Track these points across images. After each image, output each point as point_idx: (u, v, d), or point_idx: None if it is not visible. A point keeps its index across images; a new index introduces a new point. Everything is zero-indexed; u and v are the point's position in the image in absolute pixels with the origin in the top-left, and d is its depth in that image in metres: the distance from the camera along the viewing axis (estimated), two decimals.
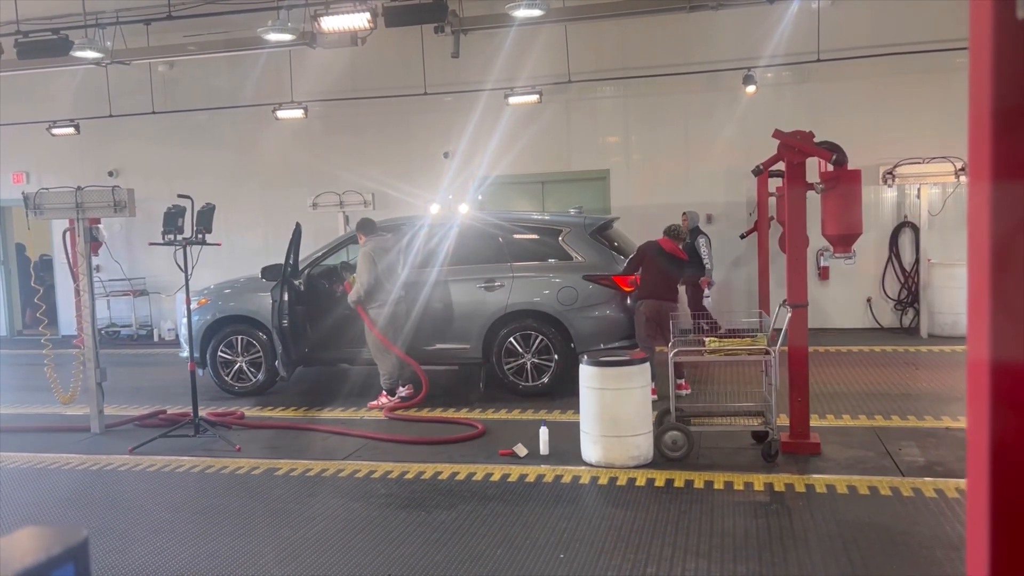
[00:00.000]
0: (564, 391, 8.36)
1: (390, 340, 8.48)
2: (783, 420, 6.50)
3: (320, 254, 9.40)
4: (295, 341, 8.76)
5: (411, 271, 8.84)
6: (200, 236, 7.54)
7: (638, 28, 12.16)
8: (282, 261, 8.79)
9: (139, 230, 13.58)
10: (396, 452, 6.94)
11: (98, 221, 11.34)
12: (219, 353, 9.31)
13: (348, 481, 6.26)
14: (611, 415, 6.20)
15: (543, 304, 8.64)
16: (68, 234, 8.74)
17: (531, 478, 6.12)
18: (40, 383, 9.69)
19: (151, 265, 13.80)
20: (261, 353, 9.15)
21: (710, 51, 12.05)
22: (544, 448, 6.61)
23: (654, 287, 8.21)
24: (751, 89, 11.76)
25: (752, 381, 7.68)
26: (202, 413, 7.61)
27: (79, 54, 10.41)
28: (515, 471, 6.27)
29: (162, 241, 7.41)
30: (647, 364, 6.42)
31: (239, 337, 9.24)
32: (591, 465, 6.28)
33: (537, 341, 8.66)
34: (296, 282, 8.88)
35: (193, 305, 9.50)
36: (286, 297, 8.61)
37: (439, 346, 8.92)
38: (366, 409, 8.48)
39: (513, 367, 8.72)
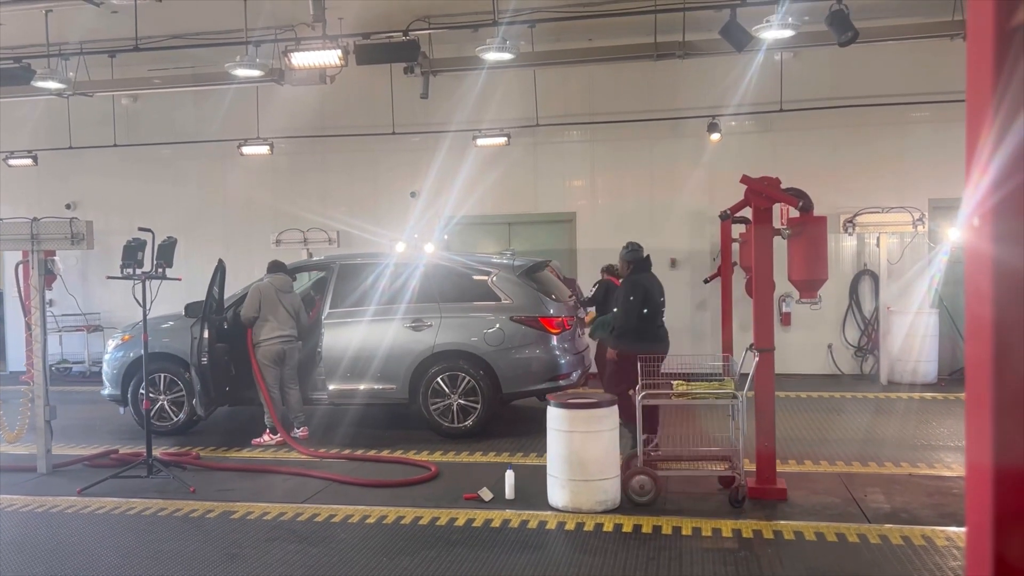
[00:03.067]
0: (491, 432, 8.40)
1: (272, 379, 8.57)
2: (750, 465, 6.47)
3: (242, 295, 9.18)
4: (215, 380, 8.59)
5: (332, 311, 8.93)
6: (160, 270, 7.37)
7: (605, 74, 12.34)
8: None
9: (96, 264, 13.29)
10: (358, 495, 6.75)
11: (53, 253, 11.06)
12: (141, 392, 9.07)
13: (307, 525, 6.06)
14: (579, 458, 6.11)
15: (470, 344, 8.61)
16: (21, 266, 8.49)
17: (496, 523, 5.99)
18: None
19: (107, 300, 13.49)
20: (184, 392, 8.92)
21: (675, 99, 12.26)
22: (510, 492, 6.49)
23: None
24: (715, 137, 11.97)
25: (719, 426, 7.66)
26: (156, 453, 7.36)
27: (41, 84, 10.23)
28: (480, 516, 6.13)
29: (121, 275, 7.22)
30: (615, 406, 6.36)
31: (162, 375, 9.00)
32: (558, 510, 6.17)
33: (464, 382, 8.61)
34: (220, 319, 8.74)
35: (117, 341, 9.33)
36: (206, 334, 8.46)
37: (365, 386, 8.83)
38: (249, 447, 8.46)
39: (439, 408, 8.66)
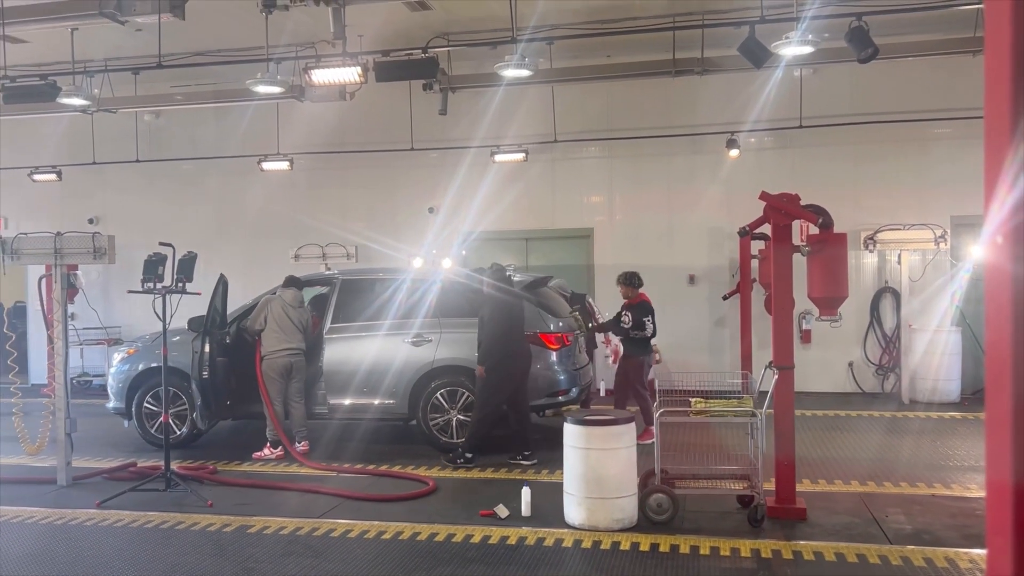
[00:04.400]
0: (489, 448, 8.44)
1: (276, 391, 8.65)
2: (769, 484, 6.40)
3: (247, 308, 9.32)
4: (215, 393, 8.65)
5: (335, 326, 9.03)
6: (180, 285, 7.43)
7: (624, 90, 12.36)
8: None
9: (117, 278, 13.41)
10: (373, 511, 6.74)
11: (76, 267, 11.18)
12: (145, 405, 9.16)
13: (323, 540, 6.06)
14: (596, 476, 6.07)
15: (470, 360, 8.59)
16: (44, 280, 8.58)
17: (512, 540, 5.95)
18: (6, 433, 9.42)
19: (127, 314, 13.59)
20: (187, 405, 8.96)
21: (694, 115, 12.25)
22: (526, 509, 6.45)
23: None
24: (734, 153, 11.94)
25: (737, 444, 7.59)
26: (173, 466, 7.40)
27: (66, 101, 10.38)
28: (496, 533, 6.10)
29: (141, 289, 7.28)
30: (632, 424, 6.32)
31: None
32: (574, 527, 6.13)
33: (463, 397, 8.63)
34: (223, 334, 8.79)
35: (122, 355, 9.42)
36: (207, 349, 8.53)
37: (365, 401, 8.86)
38: (250, 461, 8.53)
39: (439, 423, 8.68)
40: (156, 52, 9.52)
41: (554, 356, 8.71)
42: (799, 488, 6.59)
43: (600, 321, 9.85)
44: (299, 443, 8.79)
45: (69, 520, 6.66)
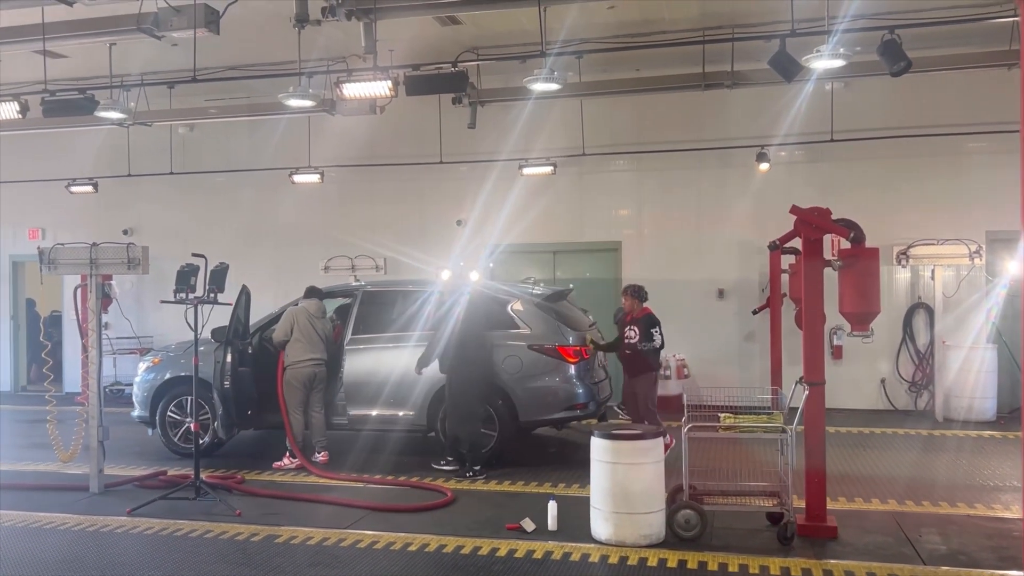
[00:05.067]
0: (505, 460, 8.54)
1: (298, 401, 8.73)
2: (799, 501, 6.32)
3: (270, 319, 9.41)
4: (236, 403, 8.72)
5: (356, 337, 9.10)
6: (212, 295, 7.52)
7: (653, 104, 12.33)
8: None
9: (150, 288, 13.60)
10: (399, 522, 6.74)
11: (110, 278, 11.39)
12: (168, 413, 9.27)
13: (350, 551, 6.07)
14: (623, 491, 6.03)
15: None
16: (79, 290, 8.74)
17: (539, 554, 5.93)
18: (41, 440, 9.59)
19: (160, 324, 13.76)
20: (210, 415, 9.04)
21: (724, 128, 12.21)
22: (552, 523, 6.43)
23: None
24: (764, 166, 11.87)
25: (767, 460, 7.51)
26: (202, 475, 7.46)
27: (103, 114, 10.57)
28: (522, 547, 6.07)
29: (174, 299, 7.38)
30: (660, 439, 6.28)
31: (187, 398, 9.16)
32: (601, 543, 6.08)
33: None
34: (245, 344, 8.87)
35: (147, 364, 9.55)
36: (229, 359, 8.61)
37: (384, 412, 8.87)
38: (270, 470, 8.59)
39: None
40: (191, 66, 9.68)
41: (572, 369, 8.69)
42: (830, 506, 6.49)
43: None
44: (318, 453, 8.85)
45: (101, 527, 6.74)
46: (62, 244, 7.90)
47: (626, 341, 8.64)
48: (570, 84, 10.67)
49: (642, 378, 8.69)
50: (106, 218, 14.46)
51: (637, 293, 8.82)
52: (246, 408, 8.88)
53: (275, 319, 9.31)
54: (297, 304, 9.15)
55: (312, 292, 9.24)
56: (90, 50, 10.66)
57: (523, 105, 11.89)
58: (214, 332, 8.78)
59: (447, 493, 7.44)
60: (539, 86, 9.44)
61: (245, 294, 8.84)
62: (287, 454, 8.78)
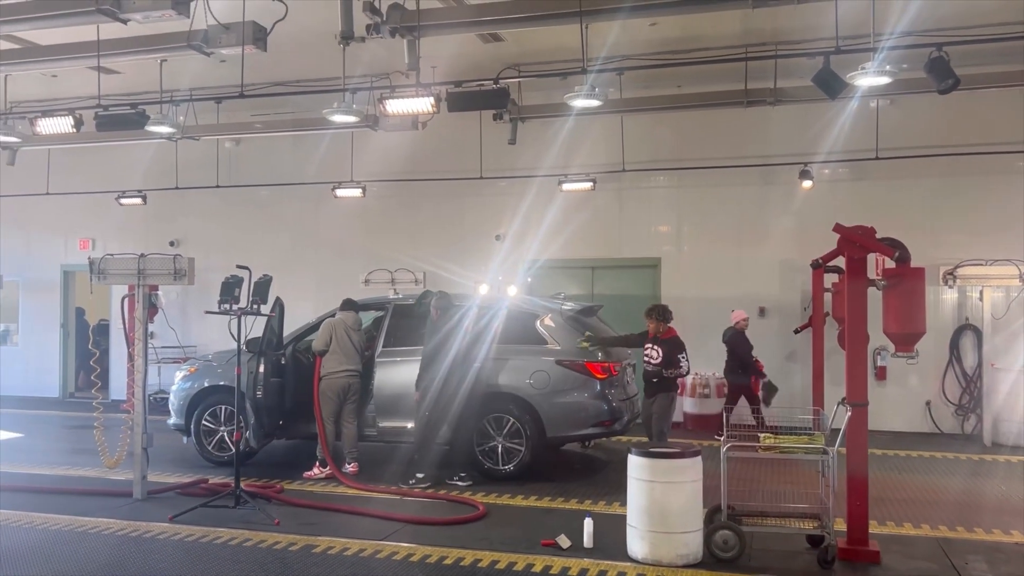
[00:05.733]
0: (533, 476, 8.54)
1: (330, 411, 8.81)
2: (840, 524, 6.20)
3: (303, 331, 9.54)
4: (268, 413, 8.81)
5: (387, 349, 9.19)
6: (255, 307, 7.64)
7: (694, 120, 12.29)
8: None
9: (195, 299, 13.86)
10: (435, 535, 6.75)
11: (157, 288, 11.61)
12: (203, 422, 9.40)
13: (386, 563, 6.10)
14: (660, 509, 5.98)
15: (515, 387, 8.64)
16: (127, 300, 8.95)
17: (574, 572, 5.89)
18: (86, 446, 9.81)
19: (204, 334, 14.00)
20: (243, 424, 9.14)
21: (766, 145, 12.12)
22: (588, 541, 6.38)
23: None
24: (807, 184, 11.75)
25: (807, 481, 7.39)
26: (242, 484, 7.56)
27: (153, 129, 10.83)
28: (557, 563, 6.04)
29: (218, 310, 7.51)
30: (698, 457, 6.21)
31: (222, 407, 9.32)
32: (637, 561, 6.03)
33: (509, 424, 8.66)
34: (279, 355, 8.97)
35: (184, 373, 9.70)
36: (262, 369, 8.71)
37: (413, 424, 8.85)
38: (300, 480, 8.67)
39: (484, 449, 8.71)
40: (238, 82, 9.88)
41: (600, 386, 8.67)
42: (873, 530, 6.36)
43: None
44: (349, 464, 8.92)
45: (143, 532, 6.85)
46: (111, 255, 8.10)
47: (646, 360, 8.43)
48: (611, 100, 10.68)
49: (660, 398, 8.41)
50: (154, 230, 14.79)
51: (662, 315, 8.48)
52: (278, 418, 8.98)
53: (310, 330, 9.43)
54: (334, 316, 9.25)
55: (348, 304, 9.35)
56: (142, 66, 10.95)
57: (563, 121, 11.94)
58: (248, 343, 8.92)
59: (479, 507, 7.45)
60: (580, 102, 9.47)
61: (279, 306, 8.97)
62: (317, 464, 8.86)
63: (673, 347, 8.32)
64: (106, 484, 8.44)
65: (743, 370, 10.96)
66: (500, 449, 8.67)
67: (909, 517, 7.32)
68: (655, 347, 8.36)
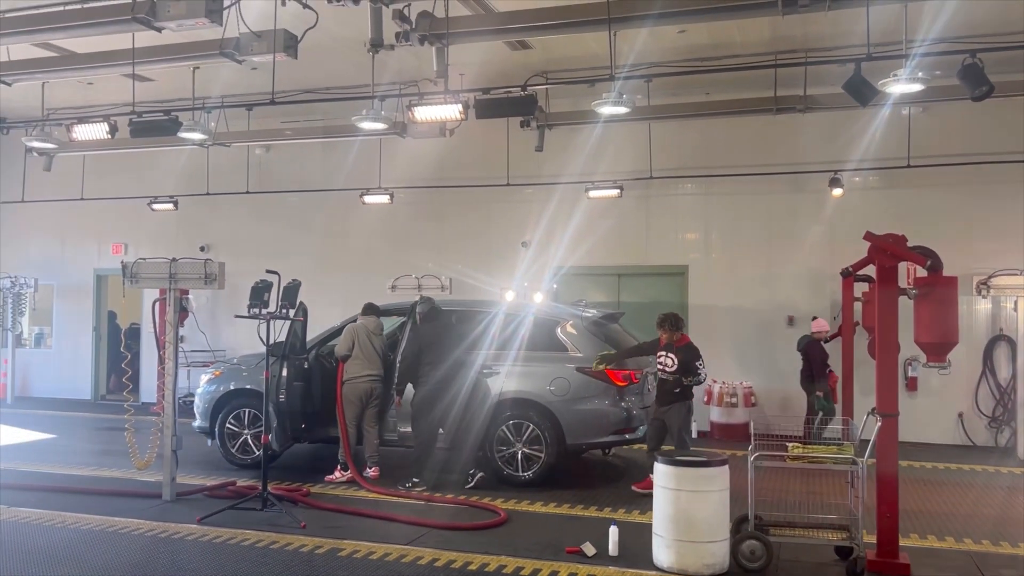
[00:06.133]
0: (554, 483, 8.51)
1: (352, 416, 8.87)
2: (869, 536, 6.12)
3: (326, 335, 9.59)
4: (291, 417, 8.86)
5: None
6: (284, 311, 7.71)
7: (722, 127, 12.23)
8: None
9: (224, 303, 14.02)
10: (459, 540, 6.76)
11: (187, 292, 11.76)
12: (227, 425, 9.50)
13: (411, 568, 6.11)
14: (686, 518, 5.93)
15: (535, 393, 8.63)
16: (158, 304, 9.07)
17: None
18: (117, 447, 9.94)
19: (232, 338, 14.14)
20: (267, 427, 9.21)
21: (795, 152, 12.03)
22: (613, 549, 6.36)
23: None
24: (838, 192, 11.64)
25: (836, 492, 7.31)
26: (269, 487, 7.62)
27: (185, 135, 11.00)
28: (582, 571, 6.02)
29: (247, 314, 7.59)
30: (726, 466, 6.16)
31: (246, 410, 9.41)
32: (662, 570, 5.99)
33: (528, 431, 8.64)
34: (301, 359, 9.03)
35: (209, 376, 9.80)
36: (284, 373, 8.77)
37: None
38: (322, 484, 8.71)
39: (504, 455, 8.69)
40: (269, 89, 10.00)
41: (621, 393, 8.65)
42: (903, 542, 6.27)
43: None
44: (369, 468, 8.96)
45: (172, 534, 6.93)
46: (144, 259, 8.22)
47: (660, 368, 8.35)
48: (639, 107, 10.67)
49: (675, 408, 8.29)
50: (184, 235, 14.98)
51: (675, 324, 8.37)
52: (300, 422, 9.05)
53: (333, 335, 9.50)
54: (356, 320, 9.31)
55: (370, 309, 9.40)
56: (175, 73, 11.13)
57: (590, 128, 11.94)
58: (274, 346, 9.01)
59: (500, 513, 7.46)
60: (607, 109, 9.46)
61: (303, 310, 9.04)
62: (338, 467, 8.91)
63: (690, 354, 8.26)
64: (136, 485, 8.55)
65: (813, 379, 10.89)
66: (520, 455, 8.67)
67: (941, 530, 7.20)
68: (669, 355, 8.30)
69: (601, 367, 8.57)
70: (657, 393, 8.50)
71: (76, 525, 7.15)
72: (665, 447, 8.22)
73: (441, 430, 8.67)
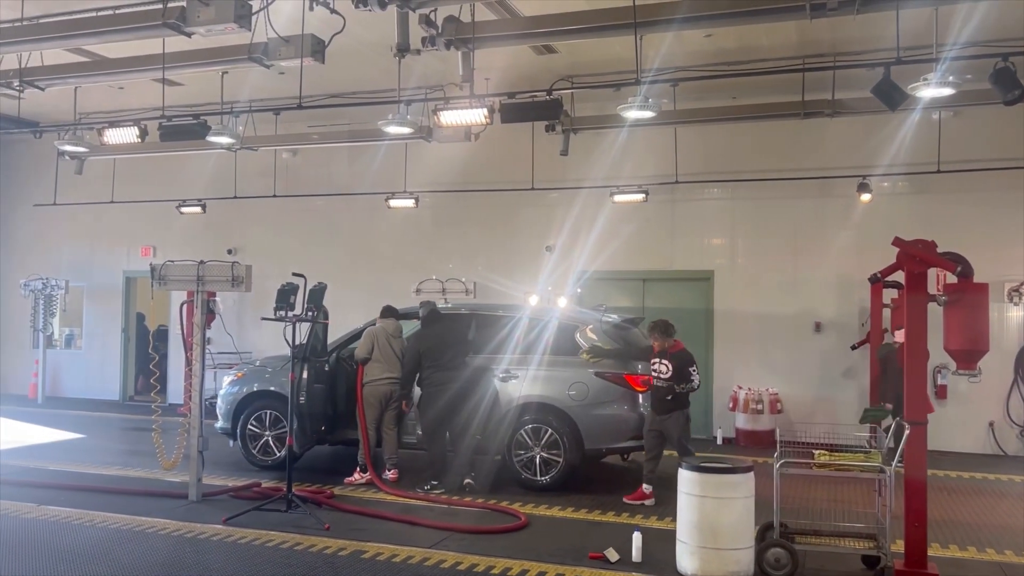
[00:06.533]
0: (573, 488, 8.50)
1: (371, 418, 8.90)
2: (897, 546, 6.04)
3: (347, 338, 9.63)
4: (311, 419, 8.89)
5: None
6: (310, 314, 7.76)
7: (749, 131, 12.14)
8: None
9: (251, 305, 14.14)
10: (482, 544, 6.76)
11: (215, 294, 11.87)
12: (249, 426, 9.56)
13: (434, 571, 6.12)
14: (710, 525, 5.89)
15: (554, 398, 8.62)
16: (185, 306, 9.17)
17: None
18: (144, 447, 10.06)
19: (259, 340, 14.23)
20: (287, 429, 9.24)
21: (823, 157, 11.92)
22: (637, 555, 6.33)
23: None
24: (866, 197, 11.52)
25: (863, 500, 7.22)
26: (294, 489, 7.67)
27: (214, 139, 11.12)
28: None
29: (273, 317, 7.65)
30: (751, 473, 6.11)
31: (267, 412, 9.48)
32: None
33: (547, 435, 8.64)
34: (322, 361, 9.06)
35: (231, 378, 9.87)
36: (305, 375, 8.82)
37: (451, 433, 8.85)
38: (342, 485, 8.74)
39: (522, 459, 8.69)
40: (296, 94, 10.08)
41: (640, 399, 8.61)
42: (931, 552, 6.18)
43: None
44: (389, 471, 8.99)
45: (198, 534, 7.00)
46: (172, 261, 8.31)
47: (655, 376, 8.20)
48: (664, 112, 10.63)
49: (672, 417, 8.12)
50: (212, 238, 15.13)
51: (665, 331, 8.21)
52: (320, 424, 9.09)
53: (353, 337, 9.53)
54: (375, 324, 9.35)
55: (388, 312, 9.44)
56: (204, 78, 11.25)
57: (615, 132, 11.91)
58: (294, 349, 9.07)
59: (521, 517, 7.46)
60: (633, 114, 9.44)
61: (324, 313, 9.09)
62: (357, 469, 8.95)
63: (683, 361, 8.09)
64: (163, 485, 8.64)
65: (890, 388, 10.75)
66: (538, 460, 8.67)
67: (971, 541, 7.09)
68: (663, 361, 8.13)
69: (586, 357, 8.57)
70: (652, 401, 8.31)
71: (105, 524, 7.25)
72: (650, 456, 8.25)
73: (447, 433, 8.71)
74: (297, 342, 7.71)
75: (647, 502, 8.05)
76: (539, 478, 8.64)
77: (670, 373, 8.07)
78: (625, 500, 8.23)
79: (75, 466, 9.73)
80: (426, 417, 8.67)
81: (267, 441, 9.53)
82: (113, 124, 10.95)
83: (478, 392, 8.68)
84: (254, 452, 9.58)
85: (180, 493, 8.12)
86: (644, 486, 8.13)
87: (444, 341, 8.77)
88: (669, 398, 8.09)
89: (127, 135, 10.77)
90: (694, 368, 8.10)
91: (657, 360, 8.19)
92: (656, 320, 8.43)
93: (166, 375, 15.24)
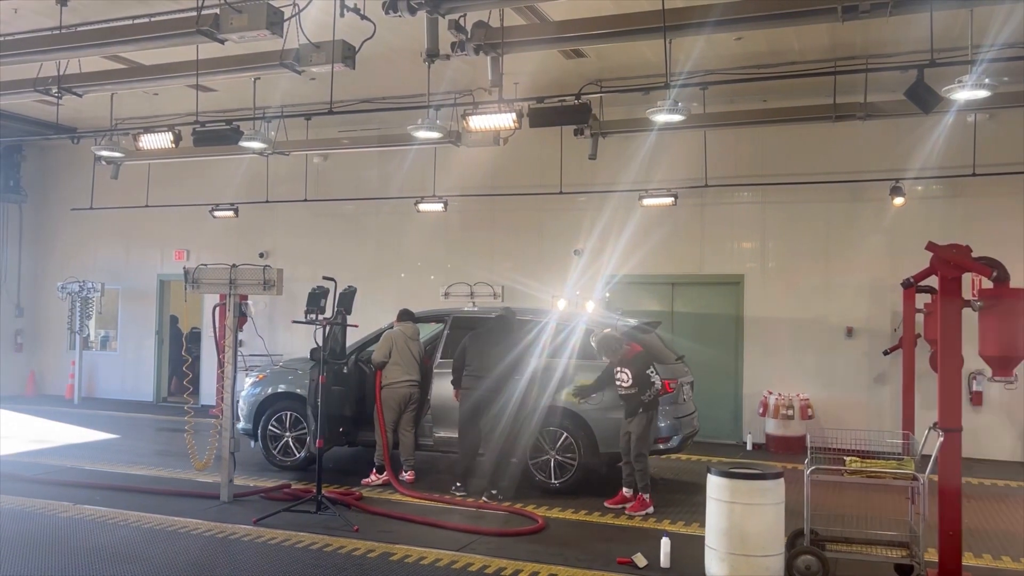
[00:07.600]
0: (590, 491, 8.50)
1: (389, 420, 8.94)
2: (931, 554, 5.95)
3: (367, 340, 9.67)
4: (328, 421, 8.91)
5: (444, 361, 9.21)
6: (340, 317, 7.82)
7: (779, 134, 12.04)
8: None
9: (282, 308, 14.29)
10: (509, 548, 6.76)
11: (247, 297, 12.01)
12: (269, 427, 9.66)
13: (461, 573, 6.14)
14: (740, 531, 5.85)
15: (570, 402, 8.63)
16: (218, 309, 9.30)
17: None
18: (177, 448, 10.20)
19: (289, 343, 14.41)
20: (307, 430, 9.34)
21: (854, 160, 11.79)
22: (665, 560, 6.30)
23: None
24: (899, 201, 11.38)
25: (896, 508, 7.12)
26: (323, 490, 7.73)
27: (246, 144, 11.27)
28: None
29: (304, 320, 7.73)
30: (781, 479, 6.06)
31: (288, 413, 9.58)
32: None
33: (562, 438, 8.66)
34: (340, 364, 9.06)
35: (253, 379, 9.97)
36: (323, 378, 8.83)
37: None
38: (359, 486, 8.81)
39: (537, 462, 8.72)
40: (327, 99, 10.18)
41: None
42: (966, 561, 6.09)
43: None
44: (406, 472, 9.04)
45: (229, 534, 7.08)
46: (205, 265, 8.43)
47: (619, 386, 8.13)
48: (694, 115, 10.57)
49: (636, 419, 8.04)
50: (244, 241, 15.33)
51: (611, 345, 8.16)
52: (338, 425, 9.15)
53: (371, 341, 9.59)
54: (392, 327, 9.40)
55: (406, 315, 9.51)
56: (236, 84, 11.41)
57: (644, 136, 11.87)
58: (313, 351, 9.14)
59: (538, 520, 7.48)
60: (662, 118, 9.40)
61: (342, 316, 9.16)
62: (373, 470, 9.01)
63: (639, 364, 8.05)
64: (195, 486, 8.75)
65: None
66: (552, 463, 8.68)
67: (1007, 550, 6.97)
68: (623, 370, 8.10)
69: (579, 400, 8.55)
70: (625, 407, 8.23)
71: (138, 524, 7.36)
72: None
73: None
74: (327, 345, 7.76)
75: (648, 510, 7.96)
76: (552, 481, 8.66)
77: (631, 381, 8.05)
78: (607, 504, 8.17)
79: (110, 466, 9.90)
80: (460, 412, 8.70)
81: (287, 442, 9.62)
82: (148, 130, 11.15)
83: (532, 399, 8.63)
84: (274, 452, 9.69)
85: (212, 494, 8.23)
86: (643, 495, 8.01)
87: (489, 349, 8.68)
88: (641, 410, 8.04)
89: (162, 140, 10.95)
90: (651, 370, 8.09)
91: (619, 370, 8.17)
92: (599, 339, 8.27)
93: (199, 377, 15.38)
